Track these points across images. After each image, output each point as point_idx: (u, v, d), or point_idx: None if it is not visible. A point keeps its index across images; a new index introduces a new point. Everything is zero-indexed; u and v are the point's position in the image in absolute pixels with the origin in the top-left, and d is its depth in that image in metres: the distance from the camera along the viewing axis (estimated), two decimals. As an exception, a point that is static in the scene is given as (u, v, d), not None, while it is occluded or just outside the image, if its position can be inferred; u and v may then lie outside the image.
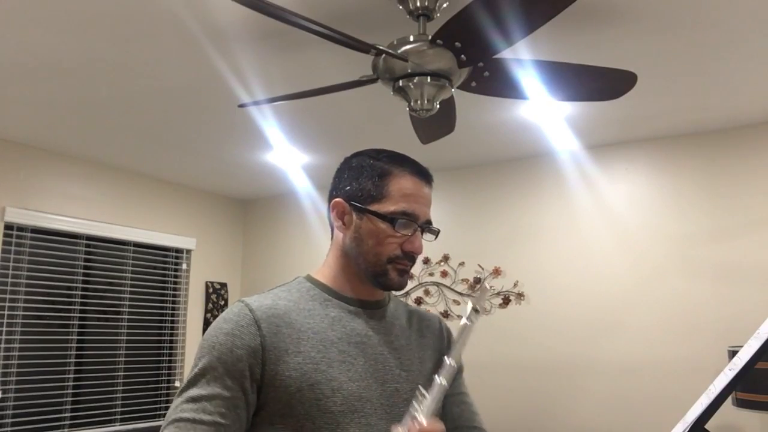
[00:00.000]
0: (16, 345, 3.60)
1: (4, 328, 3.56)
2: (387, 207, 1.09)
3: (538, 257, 3.89)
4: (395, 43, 2.04)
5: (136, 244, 4.35)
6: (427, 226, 1.13)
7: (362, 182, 1.12)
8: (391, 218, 1.08)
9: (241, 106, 2.69)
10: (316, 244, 4.63)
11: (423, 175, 1.14)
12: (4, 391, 3.52)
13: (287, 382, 1.00)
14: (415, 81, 2.05)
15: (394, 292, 1.20)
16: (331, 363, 1.04)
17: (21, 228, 3.67)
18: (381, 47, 1.99)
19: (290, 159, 4.02)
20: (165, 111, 3.18)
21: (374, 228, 1.09)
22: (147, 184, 4.43)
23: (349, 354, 1.06)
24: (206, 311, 4.75)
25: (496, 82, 2.20)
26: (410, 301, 4.16)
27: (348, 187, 1.13)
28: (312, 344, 1.04)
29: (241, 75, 2.68)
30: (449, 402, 1.19)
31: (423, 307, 4.10)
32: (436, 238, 1.16)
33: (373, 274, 1.10)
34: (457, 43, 1.95)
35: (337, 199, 1.13)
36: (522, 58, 2.21)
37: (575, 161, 3.86)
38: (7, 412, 3.53)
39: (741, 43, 2.45)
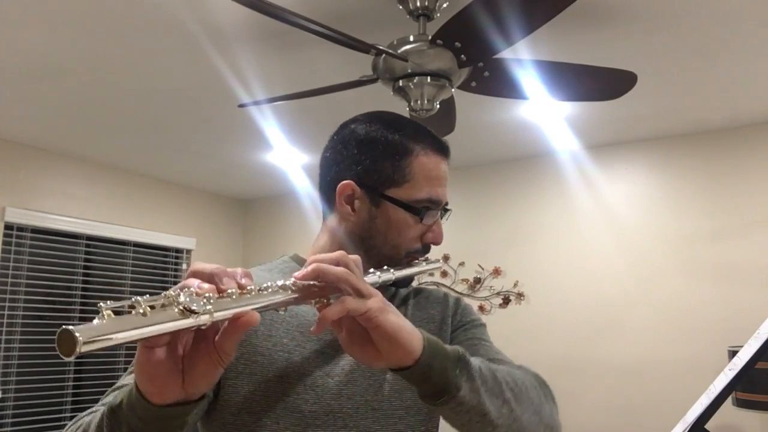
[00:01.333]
0: (16, 345, 3.60)
1: (4, 328, 3.56)
2: (411, 193, 0.92)
3: (538, 257, 3.89)
4: (395, 43, 2.04)
5: (136, 244, 4.34)
6: (445, 208, 0.97)
7: (378, 161, 0.92)
8: (417, 208, 0.92)
9: (241, 106, 2.69)
10: (316, 244, 4.63)
11: (444, 150, 0.98)
12: (4, 391, 3.52)
13: (251, 369, 0.85)
14: (415, 81, 2.05)
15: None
16: (306, 353, 0.88)
17: (21, 228, 3.67)
18: (381, 47, 1.99)
19: (290, 159, 4.02)
20: (165, 111, 3.18)
21: (395, 218, 0.92)
22: (147, 184, 4.42)
23: (330, 345, 0.89)
24: (206, 311, 4.74)
25: (496, 82, 2.20)
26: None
27: (359, 167, 0.93)
28: (286, 329, 0.89)
29: (241, 75, 2.68)
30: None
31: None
32: (447, 219, 1.00)
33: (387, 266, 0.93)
34: (457, 43, 1.95)
35: (347, 181, 0.93)
36: (522, 58, 2.21)
37: (575, 161, 3.86)
38: (7, 412, 3.53)
39: (741, 43, 2.45)
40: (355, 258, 0.71)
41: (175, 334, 0.58)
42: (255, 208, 5.19)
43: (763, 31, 2.36)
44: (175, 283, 4.54)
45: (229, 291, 0.60)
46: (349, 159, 0.95)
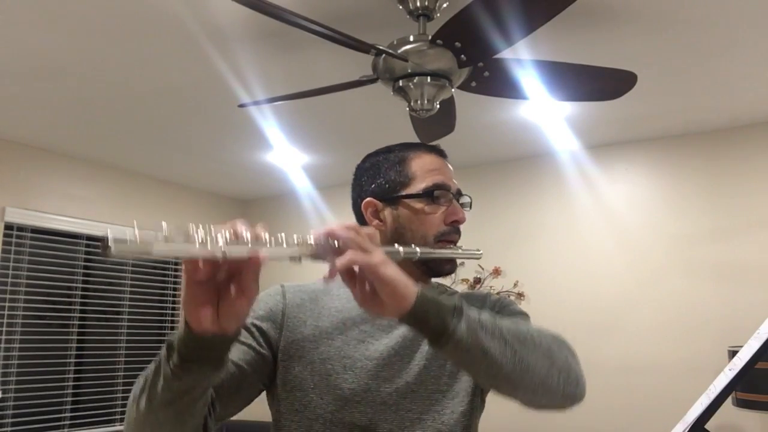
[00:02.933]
0: (16, 345, 3.60)
1: (4, 328, 3.56)
2: (418, 186, 1.08)
3: (538, 257, 3.89)
4: (395, 43, 2.04)
5: (136, 244, 4.33)
6: (460, 196, 1.11)
7: (384, 175, 1.10)
8: (426, 194, 1.06)
9: (241, 106, 2.69)
10: (316, 244, 4.62)
11: (437, 150, 1.14)
12: (4, 391, 3.52)
13: (300, 353, 1.02)
14: (415, 81, 2.05)
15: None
16: (348, 341, 1.03)
17: (21, 228, 3.67)
18: (381, 47, 1.99)
19: (290, 159, 4.02)
20: (165, 111, 3.18)
21: (413, 211, 1.07)
22: (147, 184, 4.42)
23: (370, 334, 1.04)
24: (206, 311, 4.75)
25: (496, 82, 2.20)
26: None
27: (372, 186, 1.11)
28: (331, 321, 1.05)
29: (241, 75, 2.68)
30: None
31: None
32: (470, 208, 1.13)
33: (424, 259, 1.05)
34: (457, 43, 1.95)
35: (367, 199, 1.10)
36: (522, 58, 2.21)
37: (575, 161, 3.85)
38: (7, 412, 3.53)
39: (741, 43, 2.45)
40: (369, 230, 0.83)
41: (205, 267, 0.71)
42: (255, 208, 5.19)
43: (763, 32, 2.36)
44: (176, 284, 4.57)
45: (247, 237, 0.71)
46: (365, 185, 1.13)
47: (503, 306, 1.12)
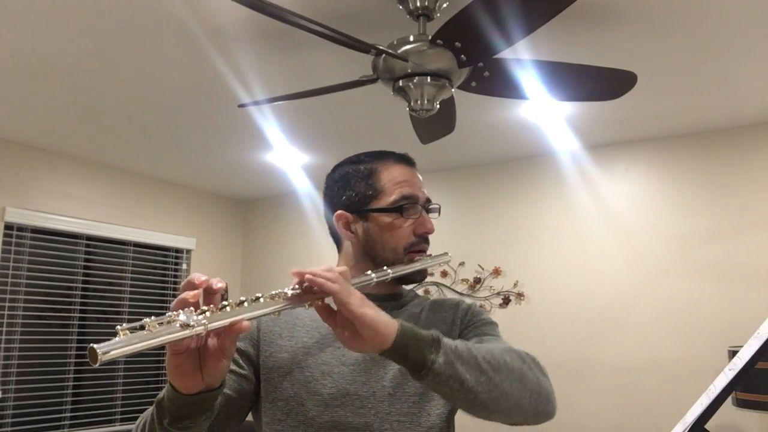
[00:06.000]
0: (16, 345, 3.60)
1: (4, 328, 3.56)
2: (386, 199, 1.10)
3: (538, 257, 3.89)
4: (395, 43, 2.04)
5: (136, 244, 4.34)
6: (428, 206, 1.14)
7: (354, 187, 1.12)
8: (395, 208, 1.09)
9: (241, 106, 2.69)
10: (316, 244, 4.62)
11: (406, 160, 1.16)
12: (4, 391, 3.52)
13: (279, 363, 1.05)
14: (415, 81, 2.05)
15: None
16: (324, 348, 1.06)
17: (21, 228, 3.67)
18: (381, 47, 1.99)
19: (290, 159, 4.02)
20: (165, 111, 3.18)
21: (382, 224, 1.09)
22: (147, 184, 4.42)
23: None
24: (206, 311, 4.74)
25: (496, 82, 2.20)
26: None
27: (343, 197, 1.13)
28: (306, 330, 1.09)
29: (241, 75, 2.68)
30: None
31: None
32: (439, 214, 1.16)
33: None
34: (457, 43, 1.95)
35: (338, 212, 1.12)
36: (522, 58, 2.21)
37: (575, 161, 3.85)
38: (7, 412, 3.53)
39: (741, 43, 2.45)
40: (341, 269, 0.86)
41: (187, 341, 0.74)
42: (255, 208, 5.19)
43: (763, 31, 2.36)
44: (175, 284, 4.57)
45: (226, 304, 0.76)
46: (336, 197, 1.14)
47: (474, 315, 1.14)
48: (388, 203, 1.09)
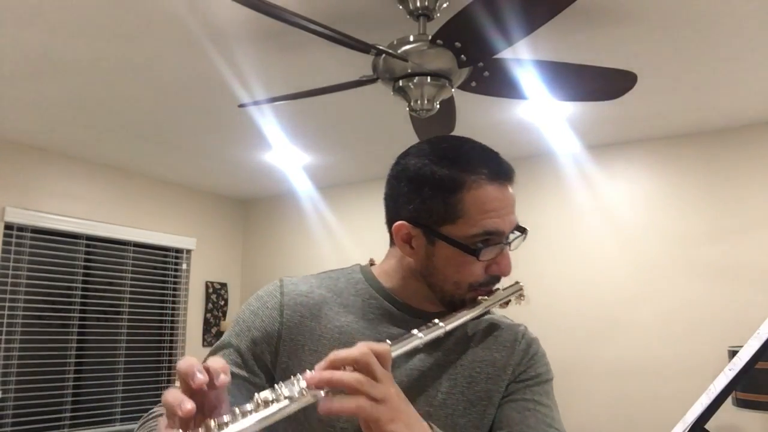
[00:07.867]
0: (16, 345, 3.60)
1: (4, 328, 3.56)
2: (465, 230, 0.88)
3: (537, 257, 3.89)
4: (395, 43, 2.04)
5: (136, 244, 4.34)
6: (510, 238, 0.95)
7: (427, 199, 0.89)
8: (472, 247, 0.88)
9: (241, 106, 2.69)
10: (316, 243, 4.62)
11: (504, 175, 0.95)
12: (4, 391, 3.52)
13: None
14: (415, 81, 2.05)
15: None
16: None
17: (21, 228, 3.67)
18: (381, 47, 1.99)
19: (290, 159, 4.02)
20: (165, 111, 3.18)
21: (451, 256, 0.89)
22: (147, 184, 4.43)
23: None
24: (206, 311, 4.75)
25: (496, 82, 2.20)
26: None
27: (410, 207, 0.90)
28: (333, 345, 0.90)
29: (241, 75, 2.68)
30: (506, 406, 0.94)
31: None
32: (524, 238, 0.98)
33: (450, 301, 0.92)
34: (457, 43, 1.95)
35: (401, 222, 0.91)
36: (522, 58, 2.21)
37: (575, 161, 3.85)
38: (7, 412, 3.53)
39: (741, 42, 2.45)
40: (382, 350, 0.73)
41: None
42: (255, 208, 5.19)
43: (763, 32, 2.36)
44: (175, 284, 4.57)
45: (227, 419, 0.66)
46: (402, 197, 0.92)
47: (530, 367, 0.98)
48: (466, 236, 0.88)
